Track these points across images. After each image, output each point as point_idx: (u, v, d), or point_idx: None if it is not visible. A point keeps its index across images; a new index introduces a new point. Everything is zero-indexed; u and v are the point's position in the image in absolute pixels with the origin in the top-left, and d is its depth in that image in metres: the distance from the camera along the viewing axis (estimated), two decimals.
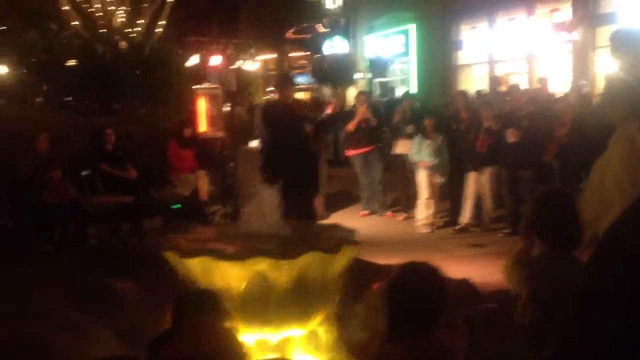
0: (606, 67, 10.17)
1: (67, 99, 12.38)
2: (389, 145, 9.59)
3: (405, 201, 9.33)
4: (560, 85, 12.70)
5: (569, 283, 2.37)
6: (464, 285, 4.43)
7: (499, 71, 15.69)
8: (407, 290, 2.37)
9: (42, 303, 4.58)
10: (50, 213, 7.35)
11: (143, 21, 12.74)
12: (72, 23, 12.56)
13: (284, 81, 7.37)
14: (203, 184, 9.03)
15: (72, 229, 7.59)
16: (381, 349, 2.39)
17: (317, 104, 11.93)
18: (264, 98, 31.61)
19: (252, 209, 4.59)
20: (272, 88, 7.81)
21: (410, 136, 8.96)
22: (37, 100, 12.35)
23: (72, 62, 12.71)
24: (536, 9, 14.52)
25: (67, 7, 12.35)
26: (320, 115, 7.73)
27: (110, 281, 4.98)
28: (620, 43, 4.08)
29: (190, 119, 9.64)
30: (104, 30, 12.31)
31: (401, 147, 9.07)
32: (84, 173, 7.86)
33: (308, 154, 7.49)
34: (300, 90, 23.79)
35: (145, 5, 12.83)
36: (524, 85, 12.92)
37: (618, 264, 0.99)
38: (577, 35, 12.95)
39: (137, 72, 12.01)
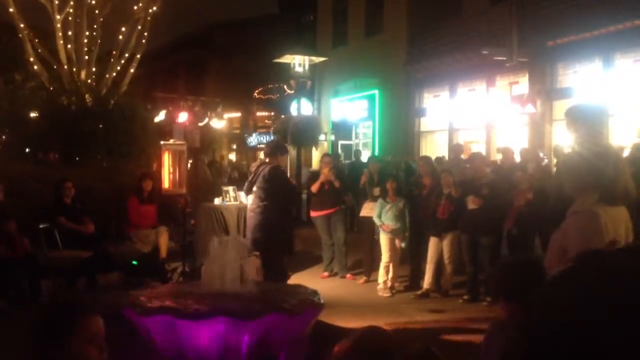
0: (562, 140, 10.56)
1: (28, 149, 12.25)
2: (351, 207, 9.66)
3: (368, 264, 9.33)
4: (517, 155, 13.07)
5: None
6: (426, 350, 4.41)
7: (458, 139, 16.10)
8: (367, 355, 2.35)
9: None
10: (4, 267, 7.12)
11: (108, 75, 12.79)
12: (38, 75, 12.54)
13: (278, 149, 7.71)
14: (163, 240, 8.90)
15: (26, 284, 7.36)
16: None
17: None
18: (230, 156, 31.67)
19: (212, 268, 4.54)
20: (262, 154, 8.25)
21: (376, 199, 9.06)
22: None
23: (34, 114, 12.63)
24: (496, 81, 15.06)
25: (33, 59, 12.34)
26: None
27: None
28: (576, 117, 4.23)
29: (149, 173, 9.57)
30: (70, 83, 12.30)
31: (367, 210, 9.14)
32: (42, 226, 7.68)
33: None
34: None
35: (112, 60, 12.91)
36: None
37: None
38: (534, 108, 13.43)
39: (100, 125, 11.97)
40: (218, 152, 29.61)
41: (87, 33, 12.48)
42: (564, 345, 0.95)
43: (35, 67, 12.42)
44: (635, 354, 0.89)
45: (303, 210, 13.97)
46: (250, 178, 7.78)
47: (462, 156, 12.35)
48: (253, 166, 8.44)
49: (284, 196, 7.46)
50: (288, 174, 7.92)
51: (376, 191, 9.17)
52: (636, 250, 1.10)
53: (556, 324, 0.99)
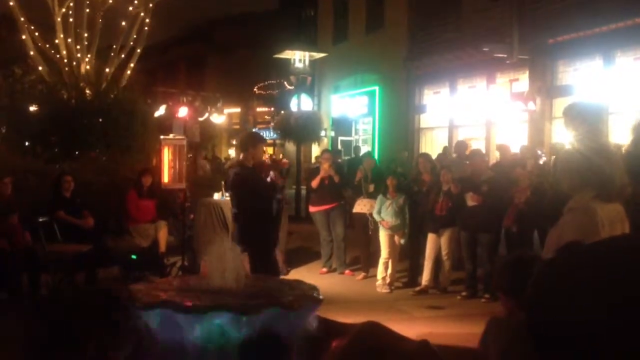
0: (561, 138, 10.55)
1: (27, 143, 12.24)
2: (350, 203, 9.68)
3: (364, 260, 9.35)
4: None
5: None
6: (424, 346, 4.42)
7: (458, 136, 16.07)
8: (366, 350, 2.37)
9: None
10: (4, 260, 7.13)
11: (108, 70, 12.78)
12: (38, 68, 12.53)
13: (249, 142, 6.84)
14: (162, 235, 8.92)
15: (25, 276, 7.37)
16: None
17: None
18: (230, 152, 31.69)
19: (211, 262, 4.55)
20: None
21: (371, 195, 9.06)
22: None
23: (34, 107, 12.62)
24: (496, 78, 15.06)
25: (33, 52, 12.33)
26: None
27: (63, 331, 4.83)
28: (575, 115, 4.25)
29: (149, 168, 9.58)
30: (70, 77, 12.30)
31: (360, 206, 9.14)
32: (41, 219, 7.69)
33: (273, 212, 7.37)
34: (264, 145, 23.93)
35: (112, 54, 12.89)
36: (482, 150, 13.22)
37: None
38: (534, 105, 13.43)
39: (100, 120, 11.97)
40: (218, 148, 29.65)
41: (87, 27, 12.46)
42: (548, 330, 0.96)
43: (35, 61, 12.41)
44: (612, 339, 0.90)
45: (301, 205, 13.99)
46: (225, 180, 7.53)
47: (467, 153, 12.29)
48: (227, 165, 8.25)
49: (255, 203, 6.61)
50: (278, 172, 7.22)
51: (371, 188, 9.19)
52: (615, 242, 1.11)
53: (537, 313, 1.00)
